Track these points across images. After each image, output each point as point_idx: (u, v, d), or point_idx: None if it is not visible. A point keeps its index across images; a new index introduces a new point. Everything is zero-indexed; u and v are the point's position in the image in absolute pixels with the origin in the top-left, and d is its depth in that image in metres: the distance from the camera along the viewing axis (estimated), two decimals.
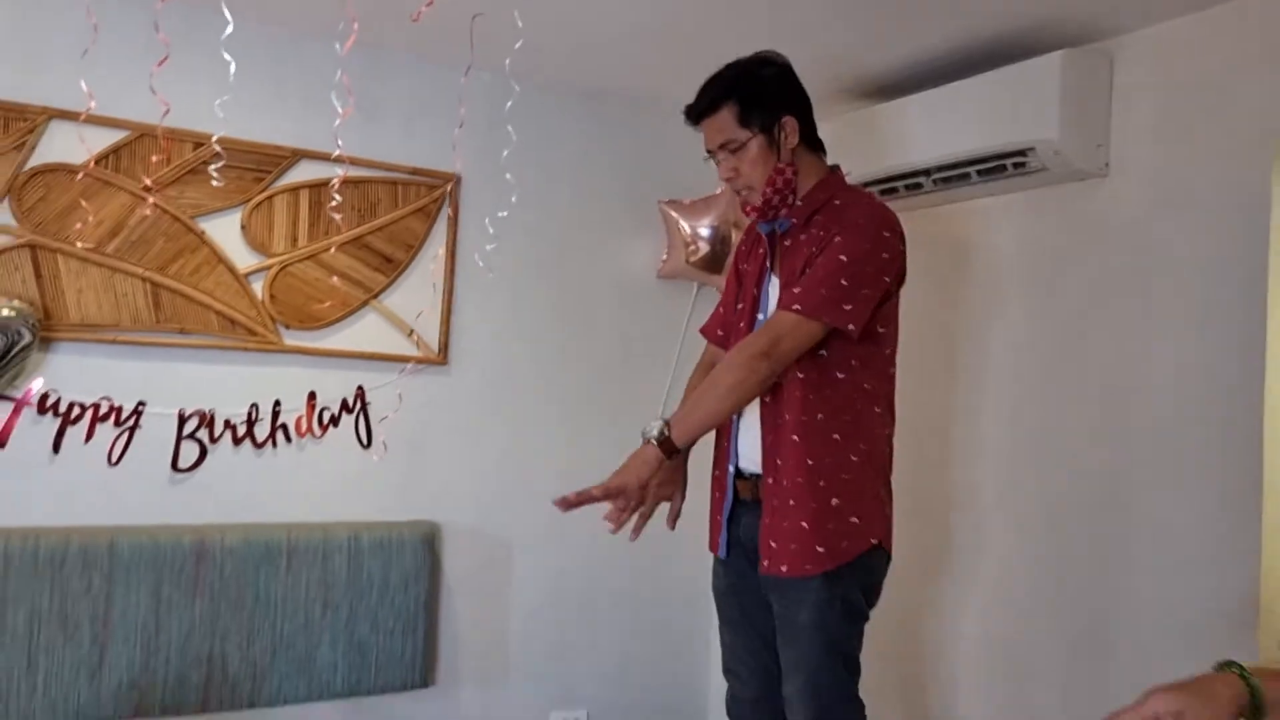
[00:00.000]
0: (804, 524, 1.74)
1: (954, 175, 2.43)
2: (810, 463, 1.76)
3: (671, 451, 1.74)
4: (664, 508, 1.97)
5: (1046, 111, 2.19)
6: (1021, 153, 2.24)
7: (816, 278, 1.75)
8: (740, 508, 1.95)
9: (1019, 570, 2.44)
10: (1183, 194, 2.14)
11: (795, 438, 1.78)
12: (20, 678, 2.21)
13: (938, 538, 2.60)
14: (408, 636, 2.63)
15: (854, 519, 1.77)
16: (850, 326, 1.71)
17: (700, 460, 2.03)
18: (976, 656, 2.55)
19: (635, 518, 1.86)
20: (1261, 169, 1.96)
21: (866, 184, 2.57)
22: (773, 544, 1.79)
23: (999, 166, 2.32)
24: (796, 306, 1.73)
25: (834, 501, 1.75)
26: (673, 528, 1.98)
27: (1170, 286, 2.15)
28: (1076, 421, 2.33)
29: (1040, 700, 2.40)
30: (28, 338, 2.20)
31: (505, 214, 2.69)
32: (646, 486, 1.84)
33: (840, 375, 1.79)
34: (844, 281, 1.72)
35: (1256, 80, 2.01)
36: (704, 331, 2.19)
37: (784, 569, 1.76)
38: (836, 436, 1.78)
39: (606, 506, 1.80)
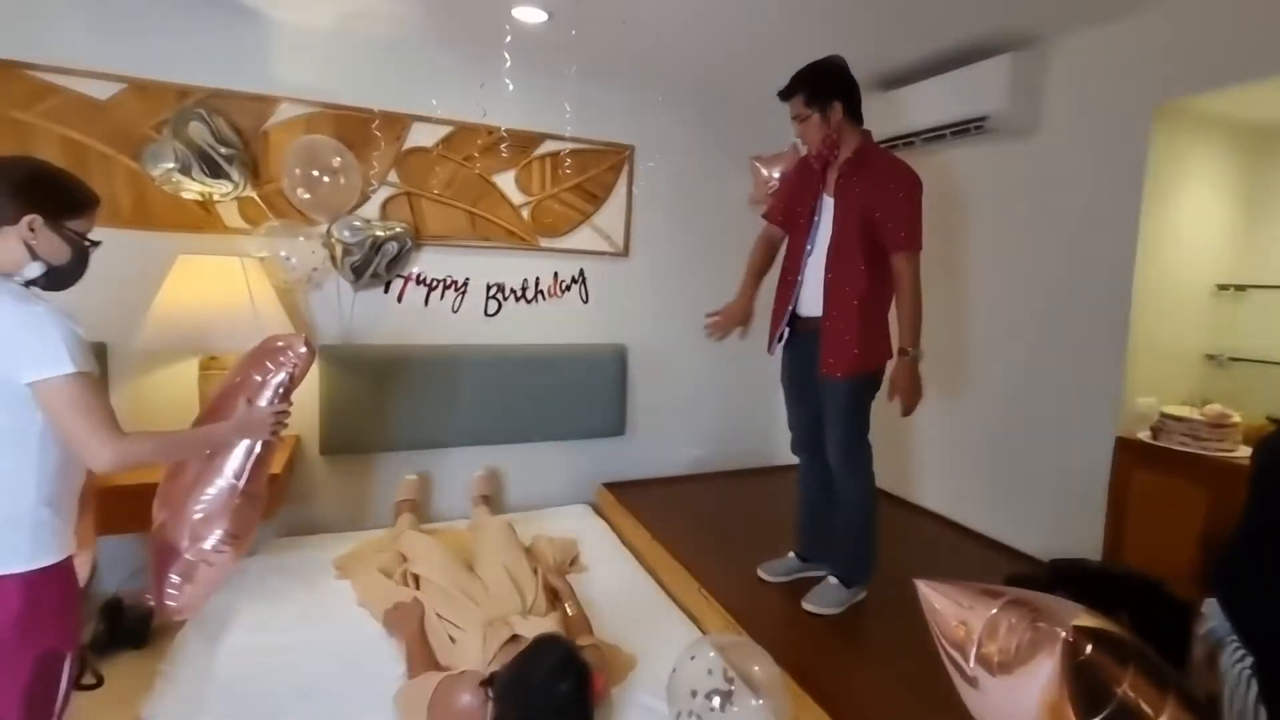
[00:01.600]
0: (855, 351, 1.79)
1: (935, 136, 2.45)
2: (861, 315, 1.79)
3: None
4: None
5: (999, 92, 2.18)
6: (981, 119, 2.26)
7: (905, 222, 1.74)
8: (795, 336, 1.97)
9: (976, 394, 2.49)
10: (1079, 145, 2.13)
11: (856, 302, 1.79)
12: (413, 418, 2.52)
13: (934, 367, 2.60)
14: (611, 406, 2.87)
15: (879, 346, 1.84)
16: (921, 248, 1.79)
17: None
18: (939, 436, 2.65)
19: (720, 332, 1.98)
20: (1141, 132, 1.95)
21: (883, 141, 2.51)
22: (831, 359, 1.82)
23: (965, 129, 2.33)
24: (911, 244, 1.75)
25: (869, 337, 1.80)
26: (742, 338, 2.02)
27: (1069, 204, 2.16)
28: (1017, 292, 2.35)
29: (974, 466, 2.49)
30: (409, 243, 2.49)
31: (652, 164, 2.85)
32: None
33: (883, 269, 1.80)
34: (918, 221, 1.76)
35: (1139, 67, 1.96)
36: (766, 215, 2.07)
37: (839, 374, 1.81)
38: (877, 303, 1.81)
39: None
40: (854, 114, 1.84)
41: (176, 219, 2.25)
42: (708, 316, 1.99)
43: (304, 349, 1.48)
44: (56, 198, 1.22)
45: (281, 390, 1.45)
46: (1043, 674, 0.63)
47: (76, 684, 1.35)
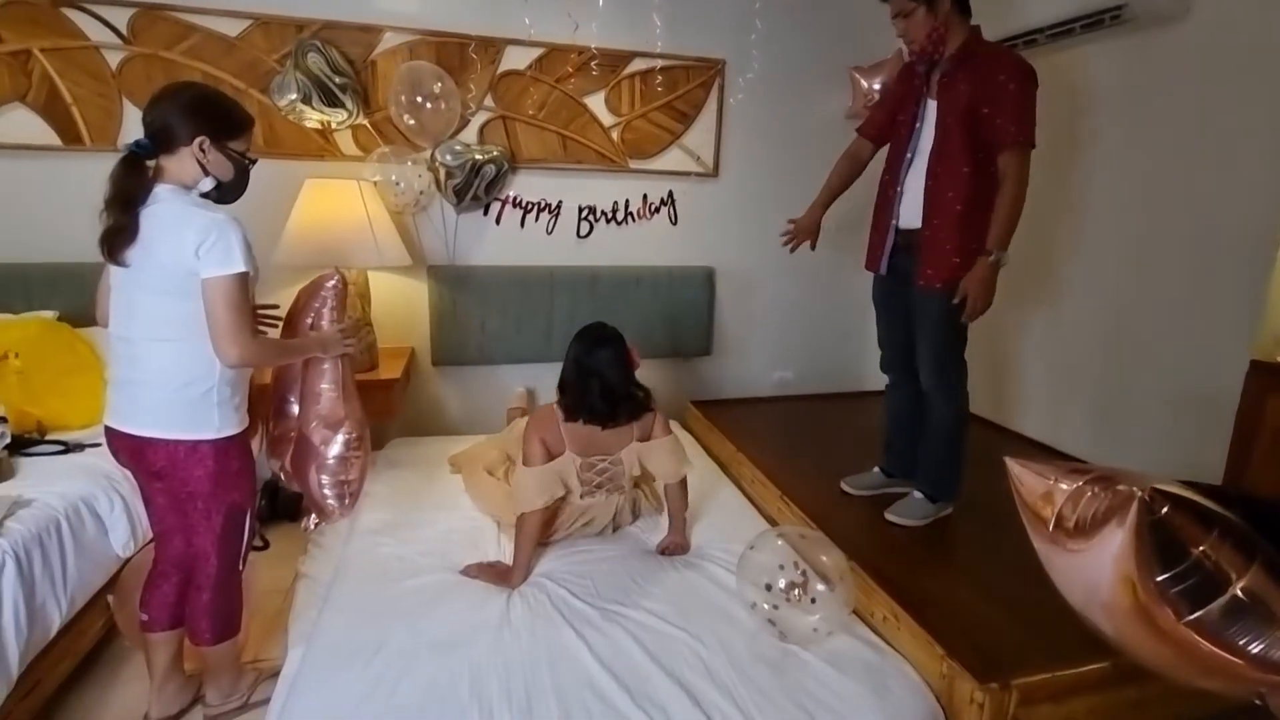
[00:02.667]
0: (956, 260, 1.71)
1: (1061, 32, 2.19)
2: (964, 223, 1.69)
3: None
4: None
5: None
6: (1118, 8, 1.99)
7: (1014, 115, 1.60)
8: (893, 251, 1.88)
9: (1084, 314, 2.32)
10: (1239, 32, 1.84)
11: (959, 207, 1.69)
12: (512, 334, 2.69)
13: (1032, 279, 2.45)
14: (699, 327, 2.91)
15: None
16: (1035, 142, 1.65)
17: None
18: (1037, 357, 2.52)
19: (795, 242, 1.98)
20: None
21: (1001, 41, 2.29)
22: (930, 270, 1.75)
23: (1099, 21, 2.07)
24: (1020, 139, 1.61)
25: (972, 246, 1.69)
26: (813, 249, 2.01)
27: (1219, 100, 1.91)
28: (1140, 198, 2.13)
29: (1077, 389, 2.36)
30: (505, 166, 2.58)
31: (751, 75, 2.73)
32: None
33: (989, 172, 1.67)
34: (1029, 115, 1.62)
35: None
36: (861, 130, 2.00)
37: (938, 285, 1.73)
38: (981, 210, 1.68)
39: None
40: (962, 6, 1.72)
41: (301, 146, 2.45)
42: (788, 222, 2.00)
43: (335, 278, 1.68)
44: (220, 119, 1.37)
45: (333, 314, 1.65)
46: (1116, 538, 0.64)
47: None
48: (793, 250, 2.01)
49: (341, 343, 1.63)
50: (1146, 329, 2.16)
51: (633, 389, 1.73)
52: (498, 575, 1.68)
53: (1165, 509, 0.63)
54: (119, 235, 1.30)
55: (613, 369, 1.67)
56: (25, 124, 2.24)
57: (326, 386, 1.63)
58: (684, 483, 1.86)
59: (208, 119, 1.34)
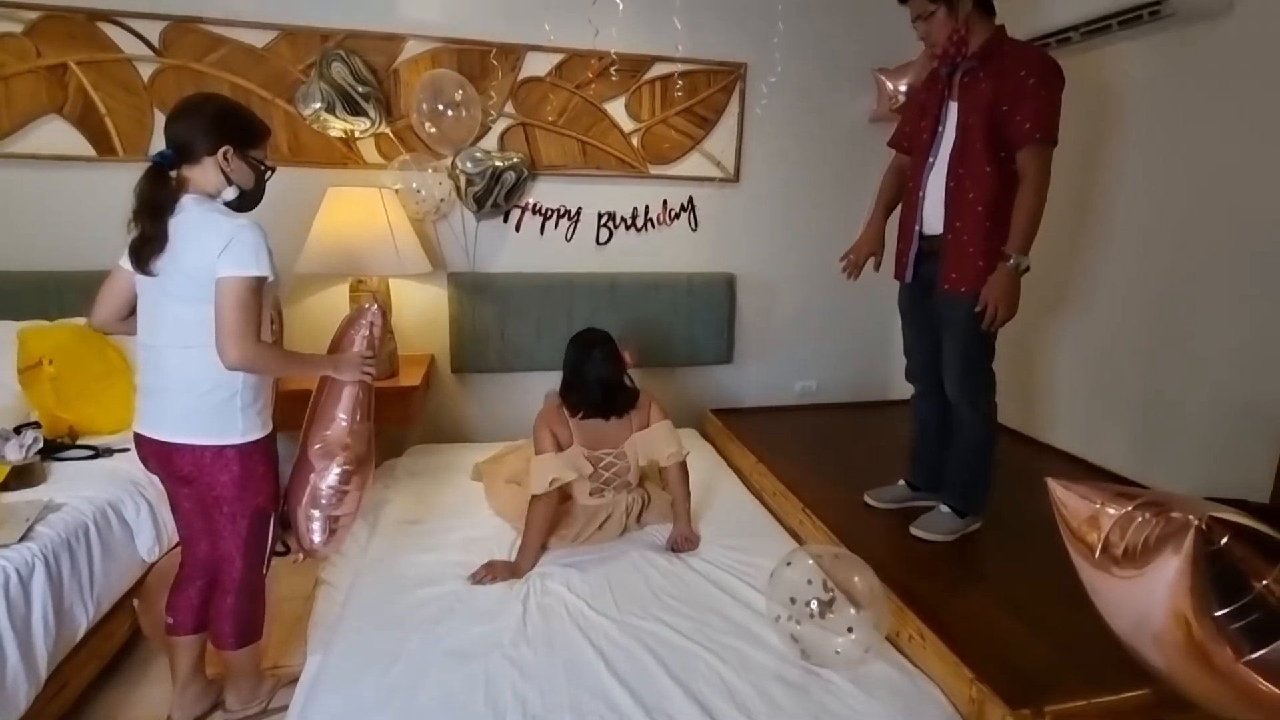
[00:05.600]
0: (980, 263, 1.66)
1: (1097, 29, 2.11)
2: (988, 224, 1.64)
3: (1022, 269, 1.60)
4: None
5: None
6: (1158, 2, 1.91)
7: (1034, 111, 1.55)
8: (919, 257, 1.84)
9: (1122, 321, 2.24)
10: None
11: (980, 208, 1.64)
12: (533, 341, 2.67)
13: (1064, 285, 2.39)
14: (719, 335, 2.87)
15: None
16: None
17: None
18: (1071, 366, 2.44)
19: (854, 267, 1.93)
20: None
21: (1032, 40, 2.20)
22: (953, 274, 1.71)
23: (1136, 17, 2.00)
24: (1039, 135, 1.55)
25: (997, 250, 1.63)
26: (877, 270, 1.95)
27: (1266, 97, 1.82)
28: (1179, 196, 2.04)
29: (1114, 400, 2.26)
30: (525, 173, 2.56)
31: (774, 79, 2.70)
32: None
33: (1013, 172, 1.62)
34: (1051, 112, 1.58)
35: None
36: (891, 144, 1.97)
37: (963, 289, 1.68)
38: (1006, 211, 1.63)
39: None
40: (984, 5, 1.67)
41: (325, 155, 2.48)
42: (840, 260, 1.96)
43: (375, 309, 1.68)
44: (241, 129, 1.39)
45: (365, 342, 1.64)
46: (1170, 568, 0.59)
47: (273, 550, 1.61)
48: (855, 278, 1.96)
49: (359, 368, 1.61)
50: (1189, 336, 2.07)
51: (625, 380, 1.86)
52: (506, 569, 1.68)
53: (1225, 539, 0.58)
54: (149, 245, 1.32)
55: (606, 365, 1.80)
56: (62, 135, 2.29)
57: (340, 414, 1.60)
58: (684, 469, 1.89)
59: (230, 129, 1.38)
